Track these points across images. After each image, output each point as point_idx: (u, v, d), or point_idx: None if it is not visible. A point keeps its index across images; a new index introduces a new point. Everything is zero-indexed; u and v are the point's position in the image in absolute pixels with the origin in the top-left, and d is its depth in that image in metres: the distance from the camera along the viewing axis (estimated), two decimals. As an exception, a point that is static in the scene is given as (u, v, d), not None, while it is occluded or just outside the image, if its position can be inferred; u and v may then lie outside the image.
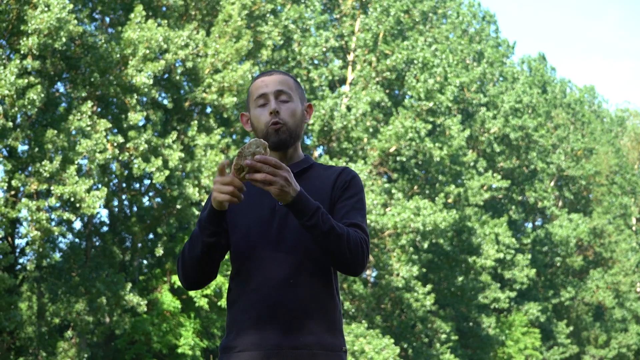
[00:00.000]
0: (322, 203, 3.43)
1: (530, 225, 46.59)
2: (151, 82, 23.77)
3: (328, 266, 3.43)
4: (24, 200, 21.57)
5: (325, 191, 3.49)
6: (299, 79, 30.87)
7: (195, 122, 25.87)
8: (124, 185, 27.36)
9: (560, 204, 48.06)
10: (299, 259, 3.39)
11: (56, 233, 22.59)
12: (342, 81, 34.71)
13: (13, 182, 21.51)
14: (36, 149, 22.16)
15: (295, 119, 3.50)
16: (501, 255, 36.48)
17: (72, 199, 21.94)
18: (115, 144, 23.66)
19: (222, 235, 3.39)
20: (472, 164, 36.49)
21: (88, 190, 22.27)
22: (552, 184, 46.30)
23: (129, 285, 24.23)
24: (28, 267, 23.13)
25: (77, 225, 26.87)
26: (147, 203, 27.21)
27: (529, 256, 39.80)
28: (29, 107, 21.02)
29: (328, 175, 3.54)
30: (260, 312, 3.37)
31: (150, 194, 27.40)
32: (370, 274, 34.66)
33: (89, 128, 22.59)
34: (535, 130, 40.69)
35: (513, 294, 38.72)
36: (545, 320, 42.85)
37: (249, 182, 3.37)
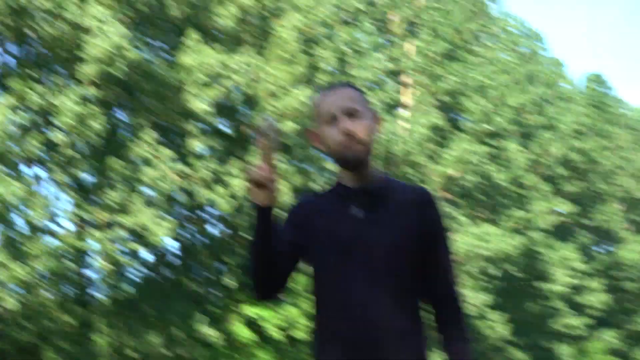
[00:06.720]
0: (404, 229, 3.31)
1: (599, 249, 45.71)
2: (210, 109, 23.77)
3: (412, 287, 3.32)
4: (93, 231, 21.55)
5: (409, 218, 3.34)
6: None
7: (255, 149, 25.74)
8: (190, 214, 27.24)
9: (629, 227, 47.18)
10: (383, 279, 3.26)
11: (126, 265, 22.53)
12: (396, 104, 34.53)
13: (81, 214, 21.55)
14: (101, 179, 22.18)
15: (368, 134, 3.36)
16: (573, 280, 35.82)
17: (140, 230, 21.88)
18: (179, 173, 23.62)
19: (271, 236, 3.17)
20: (535, 187, 36.01)
21: (155, 221, 22.20)
22: (620, 206, 45.54)
23: (202, 317, 24.04)
24: (102, 301, 23.04)
25: (148, 256, 26.80)
26: (214, 232, 27.05)
27: (604, 281, 39.04)
28: (92, 136, 21.10)
29: (408, 198, 3.38)
30: (343, 334, 3.23)
31: (217, 223, 27.25)
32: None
33: (151, 157, 22.61)
34: (596, 152, 40.17)
35: (589, 321, 37.96)
36: (626, 348, 41.97)
37: (330, 197, 3.38)
